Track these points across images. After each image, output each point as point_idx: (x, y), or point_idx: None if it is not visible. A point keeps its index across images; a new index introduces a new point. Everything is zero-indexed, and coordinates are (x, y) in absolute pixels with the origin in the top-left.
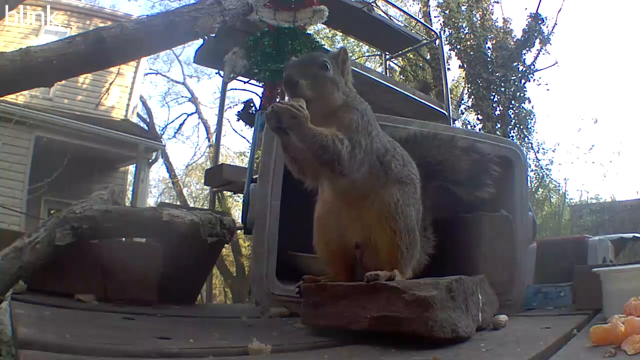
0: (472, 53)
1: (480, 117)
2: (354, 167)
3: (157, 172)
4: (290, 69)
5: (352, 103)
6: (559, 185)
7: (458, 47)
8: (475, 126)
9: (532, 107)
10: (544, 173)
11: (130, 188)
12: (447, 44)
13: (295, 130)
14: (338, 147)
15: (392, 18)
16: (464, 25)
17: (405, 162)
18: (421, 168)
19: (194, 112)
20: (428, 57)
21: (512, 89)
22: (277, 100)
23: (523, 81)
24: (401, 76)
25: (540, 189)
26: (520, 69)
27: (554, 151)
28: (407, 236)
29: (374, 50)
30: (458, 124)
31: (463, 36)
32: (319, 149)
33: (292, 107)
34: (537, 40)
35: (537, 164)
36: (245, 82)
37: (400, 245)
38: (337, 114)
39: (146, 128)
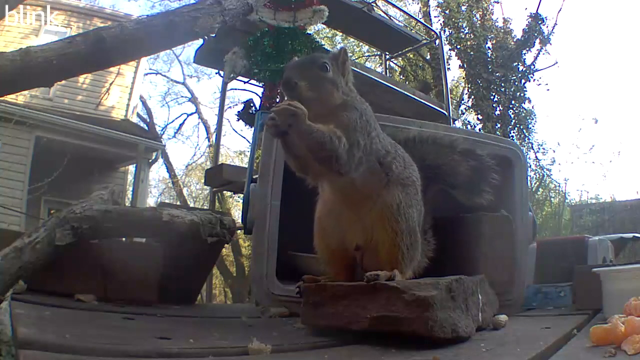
0: (472, 53)
1: (480, 117)
2: (351, 165)
3: (157, 172)
4: (290, 70)
5: (352, 102)
6: (559, 186)
7: (458, 47)
8: (475, 126)
9: (532, 107)
10: (544, 173)
11: (130, 188)
12: (447, 44)
13: (294, 128)
14: (335, 144)
15: (392, 18)
16: (464, 25)
17: (406, 164)
18: (421, 171)
19: (194, 112)
20: (428, 57)
21: (512, 89)
22: (277, 101)
23: (523, 81)
24: (401, 76)
25: (540, 189)
26: (520, 69)
27: (554, 151)
28: (408, 237)
29: (374, 50)
30: (458, 123)
31: (463, 36)
32: (316, 145)
33: (289, 106)
34: (537, 40)
35: (537, 164)
36: (245, 82)
37: (401, 246)
38: (336, 113)
39: (146, 128)
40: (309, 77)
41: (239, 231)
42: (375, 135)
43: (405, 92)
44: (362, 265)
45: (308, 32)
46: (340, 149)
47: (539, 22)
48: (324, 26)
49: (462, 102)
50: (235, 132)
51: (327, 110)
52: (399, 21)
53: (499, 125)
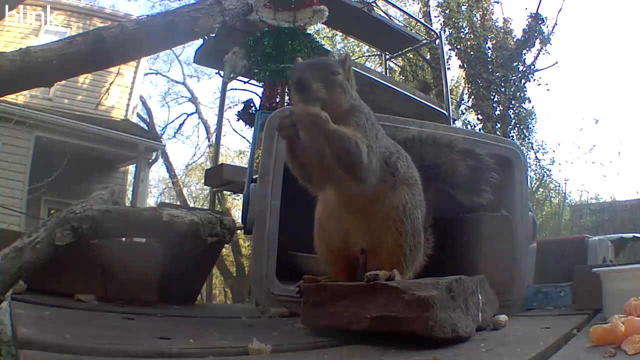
0: (472, 53)
1: (480, 117)
2: (370, 172)
3: (157, 172)
4: (303, 71)
5: (359, 107)
6: (559, 186)
7: (458, 47)
8: (475, 126)
9: (533, 107)
10: (544, 173)
11: (130, 188)
12: (447, 44)
13: (319, 133)
14: (360, 149)
15: (392, 18)
16: (464, 25)
17: (409, 163)
18: (420, 171)
19: (194, 112)
20: (428, 57)
21: (512, 89)
22: (277, 100)
23: (523, 81)
24: (401, 76)
25: (540, 189)
26: (520, 69)
27: (554, 151)
28: (412, 238)
29: (374, 50)
30: (458, 124)
31: (463, 36)
32: (342, 151)
33: (313, 114)
34: (537, 40)
35: (537, 164)
36: (245, 82)
37: (405, 247)
38: (344, 117)
39: (146, 128)
40: (323, 79)
41: (239, 231)
42: (381, 137)
43: (405, 92)
44: (365, 267)
45: (308, 32)
46: (364, 155)
47: (539, 22)
48: (324, 26)
49: (462, 102)
50: (235, 132)
51: (335, 116)
52: (399, 21)
53: (499, 125)
